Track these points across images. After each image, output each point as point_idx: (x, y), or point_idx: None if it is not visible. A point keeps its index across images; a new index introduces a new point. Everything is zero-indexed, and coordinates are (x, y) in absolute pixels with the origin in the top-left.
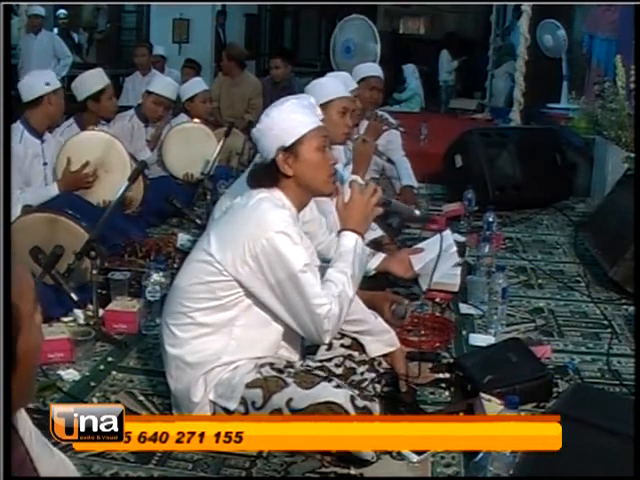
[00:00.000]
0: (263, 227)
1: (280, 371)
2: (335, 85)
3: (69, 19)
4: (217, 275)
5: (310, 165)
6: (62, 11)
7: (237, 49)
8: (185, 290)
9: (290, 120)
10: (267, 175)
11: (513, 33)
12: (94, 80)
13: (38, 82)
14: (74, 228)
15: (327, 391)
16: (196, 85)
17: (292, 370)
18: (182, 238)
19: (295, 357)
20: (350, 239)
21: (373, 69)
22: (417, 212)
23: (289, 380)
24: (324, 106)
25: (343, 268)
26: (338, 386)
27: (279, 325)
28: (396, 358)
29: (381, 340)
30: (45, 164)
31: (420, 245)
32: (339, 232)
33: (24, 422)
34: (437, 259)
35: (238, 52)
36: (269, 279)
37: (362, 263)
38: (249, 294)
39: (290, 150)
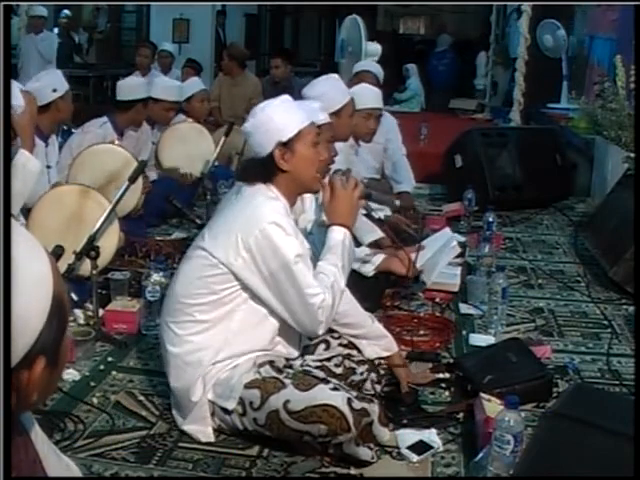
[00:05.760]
0: (256, 219)
1: (279, 371)
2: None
3: (70, 19)
4: (212, 269)
5: (304, 160)
6: (66, 12)
7: (238, 49)
8: (183, 287)
9: (286, 115)
10: (262, 170)
11: (509, 38)
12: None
13: (45, 89)
14: (103, 201)
15: (324, 393)
16: (193, 85)
17: (290, 371)
18: None
19: (294, 353)
20: (338, 233)
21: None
22: (397, 202)
23: (287, 381)
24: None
25: (334, 260)
26: (335, 388)
27: (276, 320)
28: (395, 363)
29: (378, 344)
30: (49, 167)
31: (422, 244)
32: (327, 227)
33: (32, 424)
34: (439, 253)
35: (239, 52)
36: (263, 271)
37: (351, 255)
38: (245, 287)
39: (287, 145)
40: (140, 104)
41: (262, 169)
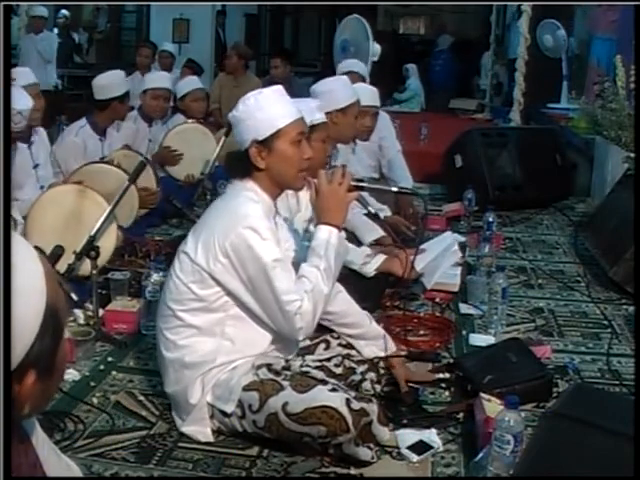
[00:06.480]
0: (233, 223)
1: (277, 373)
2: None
3: (69, 19)
4: (194, 274)
5: (283, 159)
6: (64, 12)
7: (245, 48)
8: (171, 292)
9: (268, 111)
10: (240, 165)
11: (509, 38)
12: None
13: None
14: (101, 200)
15: (322, 395)
16: (190, 84)
17: (289, 372)
18: None
19: (290, 355)
20: (323, 232)
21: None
22: (394, 188)
23: (285, 383)
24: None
25: (316, 262)
26: (334, 389)
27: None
28: (394, 364)
29: (375, 344)
30: (36, 166)
31: (422, 246)
32: (315, 226)
33: (34, 427)
34: (440, 257)
35: (246, 51)
36: (241, 275)
37: (340, 254)
38: (229, 293)
39: (264, 143)
40: (117, 101)
41: (240, 164)
